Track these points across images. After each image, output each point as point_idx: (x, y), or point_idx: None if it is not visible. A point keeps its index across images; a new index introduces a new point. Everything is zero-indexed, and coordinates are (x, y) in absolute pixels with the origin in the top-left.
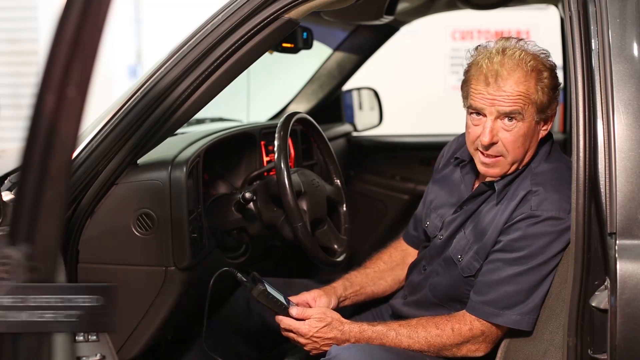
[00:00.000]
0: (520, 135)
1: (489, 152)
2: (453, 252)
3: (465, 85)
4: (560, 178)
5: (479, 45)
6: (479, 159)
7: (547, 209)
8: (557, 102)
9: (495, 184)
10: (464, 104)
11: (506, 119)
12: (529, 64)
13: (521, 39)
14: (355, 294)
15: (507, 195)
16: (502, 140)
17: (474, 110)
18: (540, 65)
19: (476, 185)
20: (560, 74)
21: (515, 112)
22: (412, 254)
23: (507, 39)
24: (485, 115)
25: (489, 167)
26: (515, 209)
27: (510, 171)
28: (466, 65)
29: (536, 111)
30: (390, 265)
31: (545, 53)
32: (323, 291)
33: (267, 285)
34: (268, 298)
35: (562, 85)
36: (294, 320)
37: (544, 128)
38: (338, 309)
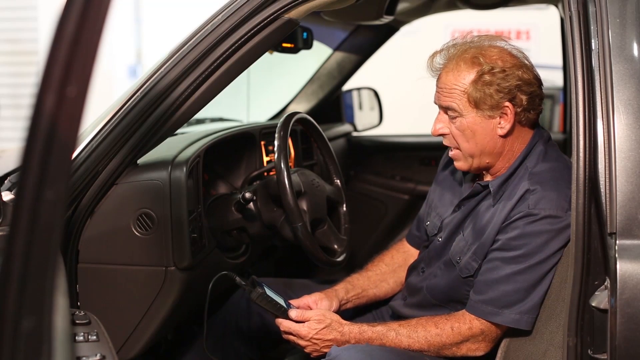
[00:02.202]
0: (464, 129)
1: (445, 143)
2: (452, 254)
3: None
4: (558, 177)
5: (455, 40)
6: (449, 153)
7: (545, 207)
8: (510, 101)
9: (490, 184)
10: None
11: (450, 112)
12: (467, 59)
13: (501, 37)
14: (357, 297)
15: (504, 194)
16: (451, 133)
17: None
18: (485, 60)
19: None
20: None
21: (450, 107)
22: (414, 255)
23: (482, 36)
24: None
25: (455, 161)
26: (513, 208)
27: (475, 165)
28: None
29: (472, 106)
30: (392, 268)
31: (514, 52)
32: (324, 294)
33: (266, 288)
34: (267, 301)
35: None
36: (294, 323)
37: (500, 125)
38: (339, 311)
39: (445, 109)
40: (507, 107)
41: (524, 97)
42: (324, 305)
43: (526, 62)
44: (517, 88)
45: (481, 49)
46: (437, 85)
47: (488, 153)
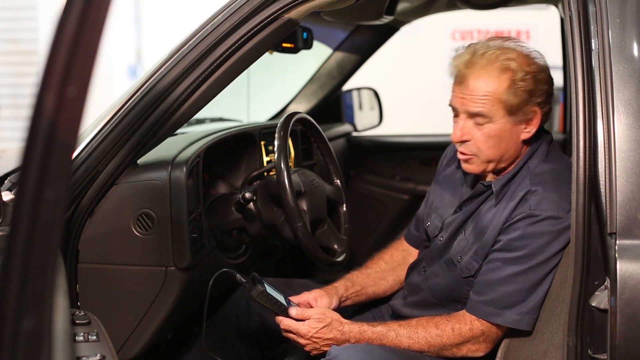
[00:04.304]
0: (491, 136)
1: (462, 149)
2: (453, 253)
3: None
4: (560, 178)
5: (471, 44)
6: (459, 155)
7: (546, 208)
8: (538, 105)
9: (492, 185)
10: None
11: (478, 119)
12: (498, 65)
13: (510, 38)
14: (357, 294)
15: (506, 195)
16: (474, 139)
17: (453, 110)
18: (515, 66)
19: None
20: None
21: (481, 113)
22: (413, 254)
23: (494, 38)
24: (459, 114)
25: (466, 163)
26: (514, 209)
27: (489, 169)
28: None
29: (506, 113)
30: (392, 266)
31: (532, 54)
32: (324, 291)
33: (266, 286)
34: (267, 299)
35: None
36: (294, 321)
37: (526, 130)
38: (339, 309)
39: (472, 114)
40: (536, 111)
41: (548, 100)
42: (324, 302)
43: (545, 63)
44: (544, 92)
45: (507, 52)
46: (461, 91)
47: (507, 158)
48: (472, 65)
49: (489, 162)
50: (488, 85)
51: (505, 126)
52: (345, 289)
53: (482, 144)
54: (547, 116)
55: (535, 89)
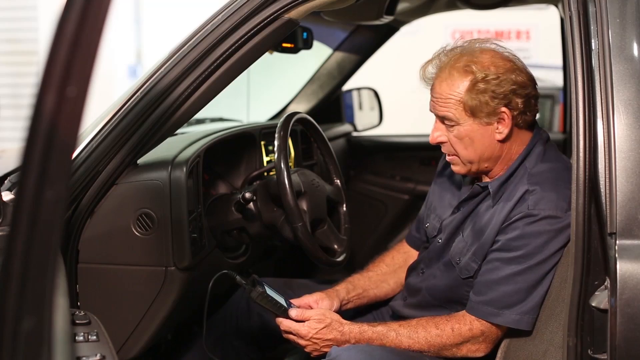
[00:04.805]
0: (462, 137)
1: (443, 149)
2: (452, 255)
3: None
4: (557, 177)
5: (445, 46)
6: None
7: (545, 207)
8: (506, 105)
9: (489, 185)
10: None
11: (446, 122)
12: (460, 68)
13: (488, 40)
14: (358, 297)
15: (504, 195)
16: (449, 141)
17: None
18: (477, 68)
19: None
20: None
21: (447, 116)
22: (414, 256)
23: (471, 40)
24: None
25: (453, 165)
26: (512, 209)
27: (474, 170)
28: None
29: (469, 114)
30: (393, 268)
31: (506, 56)
32: (325, 294)
33: (266, 287)
34: (267, 300)
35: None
36: (294, 322)
37: (498, 131)
38: (339, 311)
39: (441, 118)
40: (504, 112)
41: (519, 100)
42: (325, 305)
43: (519, 64)
44: (512, 92)
45: (473, 55)
46: (431, 95)
47: (487, 158)
48: (439, 69)
49: (470, 162)
50: (450, 88)
51: (473, 127)
52: (347, 291)
53: (456, 146)
54: (523, 117)
55: (498, 90)
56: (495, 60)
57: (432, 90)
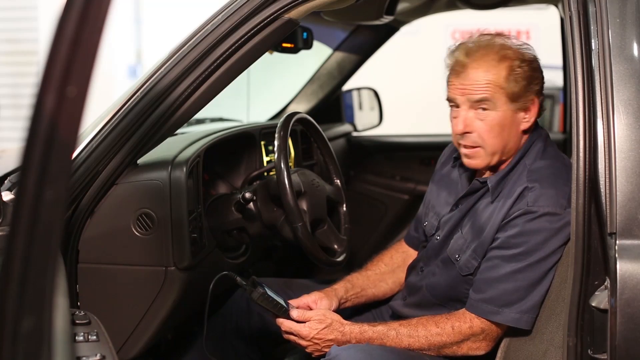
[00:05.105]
0: (494, 125)
1: (466, 142)
2: (451, 252)
3: (447, 81)
4: (557, 174)
5: (464, 40)
6: (461, 151)
7: (544, 204)
8: (536, 93)
9: (488, 181)
10: None
11: (479, 109)
12: (497, 53)
13: (500, 34)
14: (356, 296)
15: (503, 192)
16: (477, 130)
17: (451, 103)
18: (512, 54)
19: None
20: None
21: (484, 99)
22: (413, 255)
23: (484, 34)
24: (459, 106)
25: (470, 159)
26: (512, 206)
27: (492, 162)
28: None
29: (508, 100)
30: (391, 268)
31: (524, 46)
32: (324, 293)
33: (266, 289)
34: (268, 301)
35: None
36: (295, 323)
37: (525, 119)
38: (338, 310)
39: (476, 102)
40: (534, 100)
41: (542, 89)
42: (324, 305)
43: (535, 55)
44: (540, 80)
45: (502, 42)
46: (460, 82)
47: (509, 149)
48: (471, 56)
49: (493, 154)
50: (488, 74)
51: (507, 114)
52: (345, 291)
53: (485, 134)
54: (542, 107)
55: (532, 76)
56: (522, 49)
57: (462, 77)
